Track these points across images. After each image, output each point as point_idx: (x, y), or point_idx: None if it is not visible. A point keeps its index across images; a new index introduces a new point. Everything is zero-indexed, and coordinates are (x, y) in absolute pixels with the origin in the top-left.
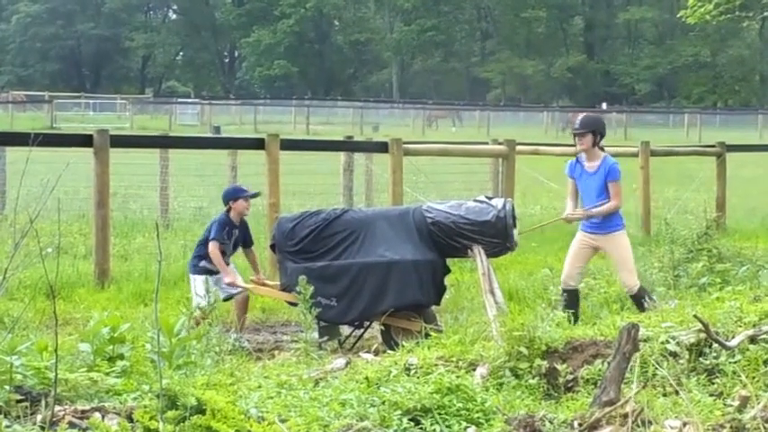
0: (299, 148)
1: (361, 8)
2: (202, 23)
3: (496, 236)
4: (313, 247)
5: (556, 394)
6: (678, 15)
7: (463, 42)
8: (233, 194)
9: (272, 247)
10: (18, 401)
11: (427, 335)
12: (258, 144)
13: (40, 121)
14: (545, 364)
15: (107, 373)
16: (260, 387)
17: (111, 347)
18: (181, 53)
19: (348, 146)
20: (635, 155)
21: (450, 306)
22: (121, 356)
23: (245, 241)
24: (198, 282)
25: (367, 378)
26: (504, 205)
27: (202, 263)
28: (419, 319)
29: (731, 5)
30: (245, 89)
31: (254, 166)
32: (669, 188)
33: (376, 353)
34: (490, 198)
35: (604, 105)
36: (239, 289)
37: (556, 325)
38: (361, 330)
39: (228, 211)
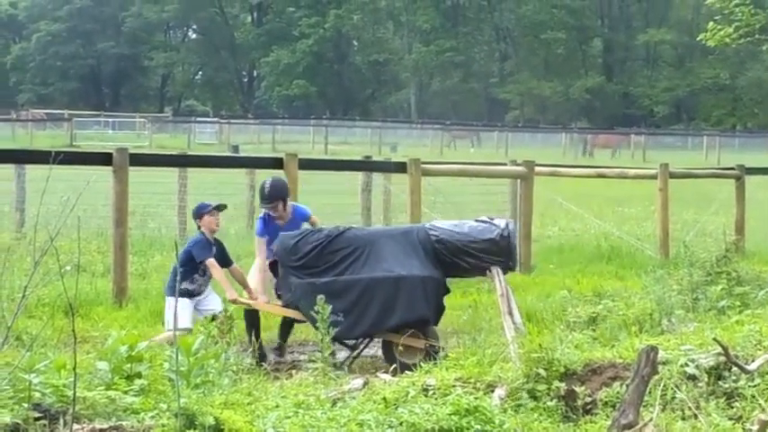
0: (318, 168)
1: (379, 29)
2: (222, 43)
3: (500, 254)
4: (317, 262)
5: (574, 417)
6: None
7: (482, 63)
8: (197, 212)
9: (272, 265)
10: (36, 419)
11: (428, 354)
12: (277, 163)
13: (59, 140)
14: (563, 386)
15: (125, 392)
16: (277, 407)
17: (129, 366)
18: (200, 72)
19: (366, 166)
20: (654, 177)
21: (467, 327)
22: (139, 375)
23: (224, 260)
24: (181, 304)
25: (385, 399)
26: (507, 225)
27: (183, 285)
28: (422, 336)
29: (750, 29)
30: (263, 108)
31: None
32: (688, 210)
33: (393, 373)
34: (492, 219)
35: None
36: (220, 309)
37: (574, 347)
38: (359, 348)
39: (200, 229)
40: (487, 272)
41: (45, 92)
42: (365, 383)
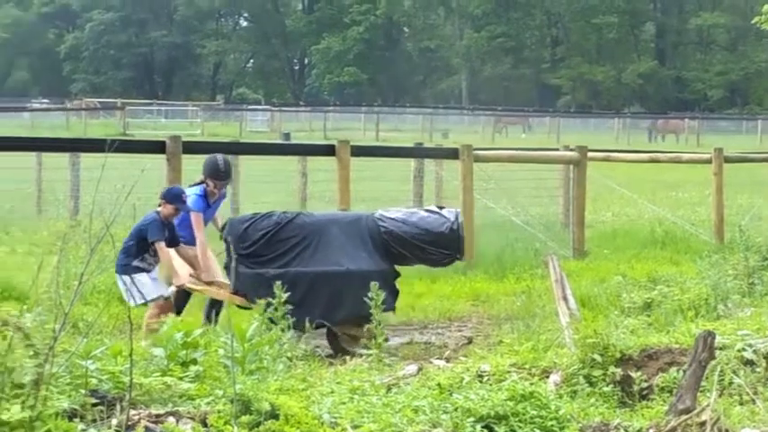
0: (370, 155)
1: (430, 15)
2: (273, 31)
3: (449, 247)
4: (265, 251)
5: (630, 402)
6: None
7: (533, 49)
8: (171, 197)
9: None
10: (93, 405)
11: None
12: (329, 150)
13: (112, 128)
14: (619, 371)
15: (180, 378)
16: (332, 392)
17: (184, 352)
18: (251, 60)
19: (418, 152)
20: (708, 161)
21: (521, 313)
22: (194, 361)
23: (173, 241)
24: (142, 278)
25: (439, 385)
26: (457, 217)
27: (134, 262)
28: (366, 326)
29: None
30: (314, 96)
31: (324, 172)
32: (742, 195)
33: (447, 360)
34: (441, 208)
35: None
36: (167, 293)
37: (630, 332)
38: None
39: (157, 210)
40: (542, 258)
41: (98, 81)
42: (419, 369)
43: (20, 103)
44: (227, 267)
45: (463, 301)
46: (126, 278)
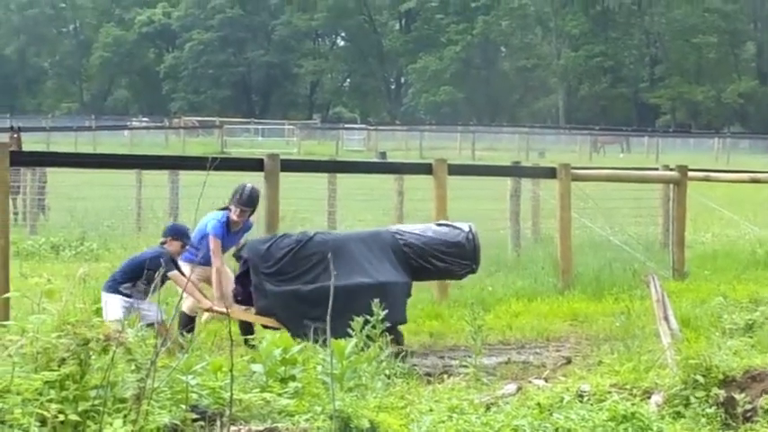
0: (467, 173)
1: (527, 34)
2: (370, 50)
3: (467, 257)
4: (290, 268)
5: (734, 424)
6: None
7: (631, 68)
8: (177, 235)
9: (239, 277)
10: (194, 420)
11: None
12: (426, 169)
13: (210, 147)
14: (722, 393)
15: (279, 394)
16: (431, 411)
17: (282, 368)
18: (348, 79)
19: (516, 171)
20: None
21: (620, 333)
22: (293, 378)
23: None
24: (115, 300)
25: (539, 404)
26: (471, 228)
27: (123, 287)
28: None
29: None
30: (410, 115)
31: (421, 191)
32: None
33: (546, 379)
34: (452, 222)
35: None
36: (158, 317)
37: (732, 353)
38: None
39: (164, 244)
40: (643, 277)
41: (197, 100)
42: (518, 389)
43: (121, 122)
44: (255, 287)
45: (561, 320)
46: (105, 296)
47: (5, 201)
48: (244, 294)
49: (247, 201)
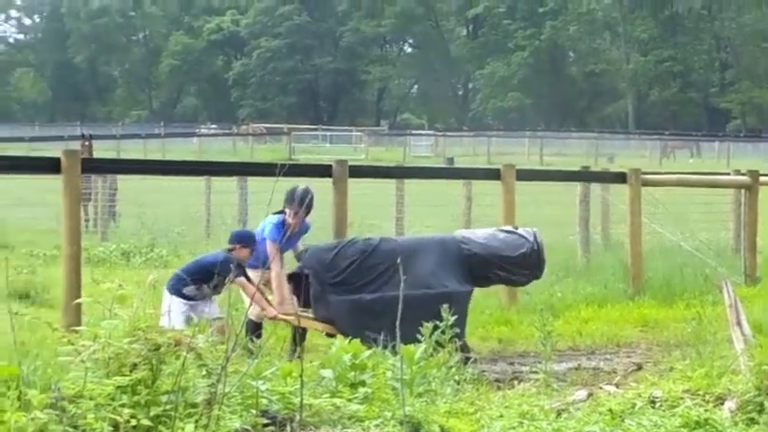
0: (535, 179)
1: (596, 39)
2: (437, 57)
3: (529, 267)
4: (355, 278)
5: None
6: None
7: (701, 73)
8: (244, 240)
9: (295, 276)
10: (264, 425)
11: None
12: (494, 174)
13: (278, 153)
14: None
15: (349, 399)
16: (501, 417)
17: (352, 374)
18: (415, 86)
19: (585, 176)
20: None
21: (692, 339)
22: (363, 383)
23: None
24: (177, 305)
25: (611, 410)
26: (535, 237)
27: (187, 289)
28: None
29: None
30: (478, 121)
31: (488, 196)
32: None
33: (617, 385)
34: (517, 228)
35: None
36: (219, 315)
37: None
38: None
39: (232, 251)
40: (715, 282)
41: (264, 106)
42: (589, 395)
43: (189, 129)
44: (317, 296)
45: (631, 326)
46: (168, 296)
47: (77, 208)
48: (305, 297)
49: (301, 202)
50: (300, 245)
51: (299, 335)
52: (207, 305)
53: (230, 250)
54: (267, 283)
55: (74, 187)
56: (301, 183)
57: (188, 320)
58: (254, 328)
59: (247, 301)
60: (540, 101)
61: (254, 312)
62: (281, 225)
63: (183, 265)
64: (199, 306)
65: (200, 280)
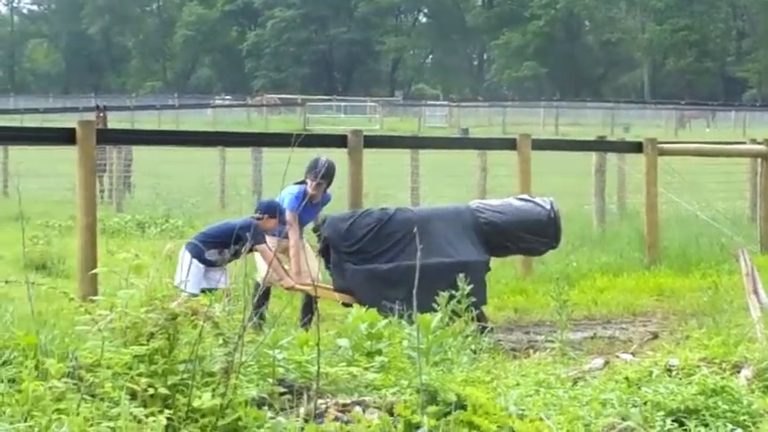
0: (551, 148)
1: (612, 8)
2: (452, 26)
3: (546, 235)
4: (371, 247)
5: None
6: None
7: (717, 42)
8: (272, 211)
9: (323, 250)
10: (281, 394)
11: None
12: (510, 144)
13: (292, 124)
14: None
15: (366, 368)
16: (518, 385)
17: (368, 343)
18: (430, 56)
19: (601, 146)
20: None
21: (708, 308)
22: (379, 352)
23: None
24: (194, 268)
25: (627, 378)
26: (552, 205)
27: (209, 253)
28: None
29: None
30: (493, 91)
31: (504, 167)
32: None
33: (634, 354)
34: (533, 197)
35: None
36: (228, 284)
37: None
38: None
39: (260, 220)
40: (731, 251)
41: (278, 77)
42: (605, 363)
43: (203, 100)
44: (335, 265)
45: (647, 295)
46: (188, 258)
47: (92, 179)
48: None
49: (323, 173)
50: (320, 218)
51: (314, 303)
52: (221, 274)
53: (258, 219)
54: (285, 251)
55: (89, 158)
56: (316, 153)
57: (199, 285)
58: (263, 298)
59: (261, 271)
60: (555, 70)
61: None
62: (302, 195)
63: (206, 228)
64: (212, 273)
65: (222, 244)
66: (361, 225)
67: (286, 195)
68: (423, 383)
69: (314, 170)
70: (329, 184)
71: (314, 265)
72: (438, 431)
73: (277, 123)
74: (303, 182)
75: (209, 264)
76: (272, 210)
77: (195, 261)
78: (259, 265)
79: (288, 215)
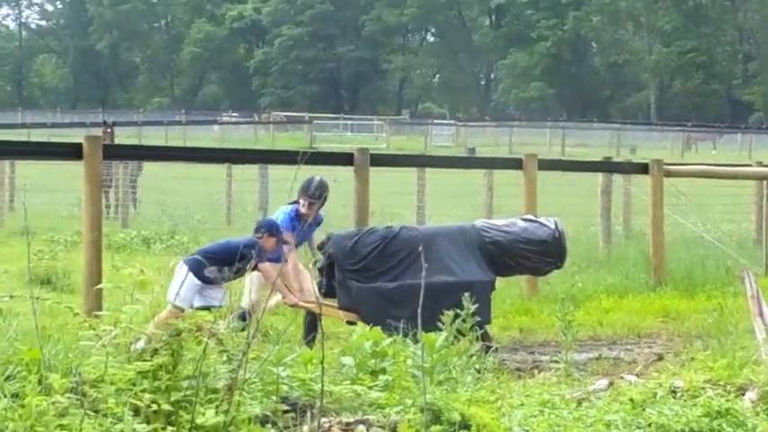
0: (557, 169)
1: (619, 30)
2: (459, 46)
3: (551, 255)
4: (375, 265)
5: None
6: None
7: (724, 64)
8: (271, 230)
9: (323, 269)
10: (285, 412)
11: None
12: (516, 164)
13: (299, 141)
14: None
15: (370, 387)
16: (522, 405)
17: (373, 361)
18: (437, 75)
19: (607, 167)
20: None
21: (713, 330)
22: (383, 371)
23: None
24: (189, 282)
25: (632, 400)
26: (557, 225)
27: (207, 270)
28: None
29: None
30: (500, 111)
31: (510, 186)
32: None
33: (638, 375)
34: (538, 218)
35: None
36: (222, 303)
37: None
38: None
39: (259, 239)
40: (737, 273)
41: (286, 95)
42: (610, 384)
43: (211, 117)
44: (339, 283)
45: (652, 317)
46: (184, 272)
47: (98, 194)
48: (328, 287)
49: (315, 193)
50: (315, 241)
51: (318, 321)
52: (217, 292)
53: (258, 238)
54: (281, 275)
55: (95, 173)
56: (322, 171)
57: (191, 301)
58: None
59: (252, 294)
60: (562, 91)
61: (247, 303)
62: (294, 215)
63: (207, 245)
64: (209, 291)
65: (222, 262)
66: (366, 243)
67: (279, 215)
68: (427, 402)
69: (307, 189)
70: (322, 204)
71: (308, 284)
72: None
73: (284, 141)
74: (296, 201)
75: (206, 281)
76: (271, 228)
77: (191, 276)
78: (246, 290)
79: (285, 235)
